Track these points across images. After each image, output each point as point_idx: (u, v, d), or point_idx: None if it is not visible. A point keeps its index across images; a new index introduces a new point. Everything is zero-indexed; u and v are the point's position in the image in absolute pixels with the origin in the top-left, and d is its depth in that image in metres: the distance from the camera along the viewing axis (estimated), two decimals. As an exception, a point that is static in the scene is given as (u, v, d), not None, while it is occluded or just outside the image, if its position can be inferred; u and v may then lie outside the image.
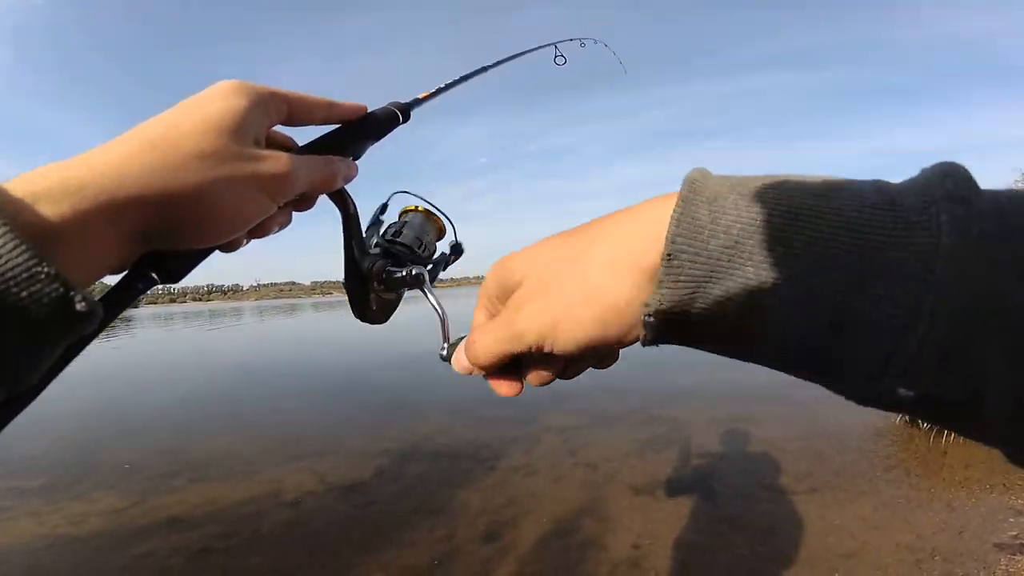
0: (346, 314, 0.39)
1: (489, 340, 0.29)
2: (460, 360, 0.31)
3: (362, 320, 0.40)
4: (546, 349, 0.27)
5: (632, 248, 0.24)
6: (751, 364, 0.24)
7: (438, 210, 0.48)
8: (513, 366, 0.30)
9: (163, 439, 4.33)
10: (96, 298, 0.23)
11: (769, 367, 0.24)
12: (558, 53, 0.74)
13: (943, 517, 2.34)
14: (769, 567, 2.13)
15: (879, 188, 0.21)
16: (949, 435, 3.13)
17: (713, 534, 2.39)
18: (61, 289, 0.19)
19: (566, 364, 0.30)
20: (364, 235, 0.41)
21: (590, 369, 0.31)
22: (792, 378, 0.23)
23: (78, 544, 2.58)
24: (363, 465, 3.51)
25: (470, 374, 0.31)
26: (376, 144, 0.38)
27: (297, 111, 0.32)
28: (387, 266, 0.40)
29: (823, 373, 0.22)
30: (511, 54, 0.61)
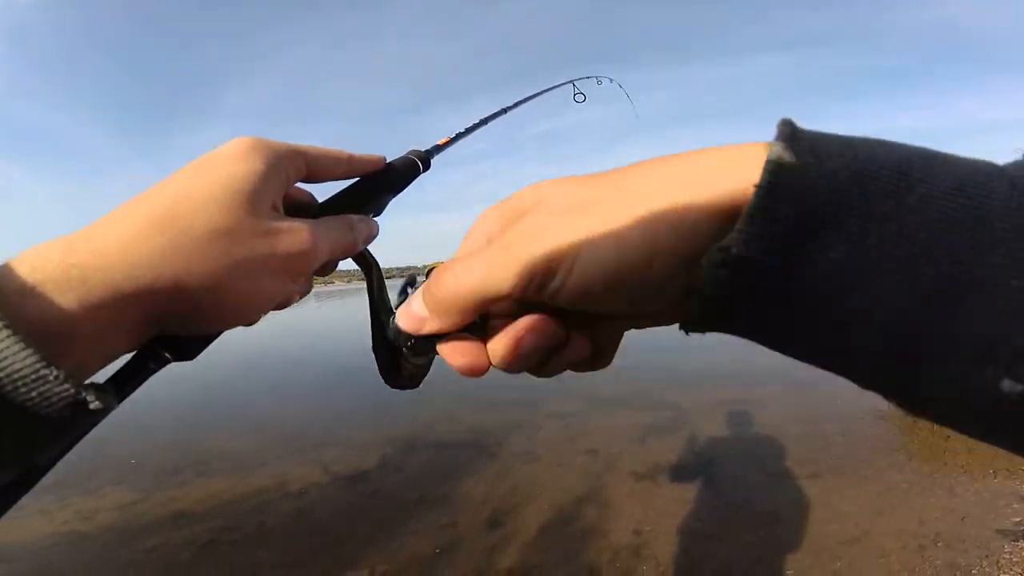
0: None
1: (471, 267, 0.21)
2: (410, 307, 0.24)
3: (392, 387, 0.37)
4: (555, 282, 0.20)
5: (707, 178, 0.19)
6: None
7: None
8: (478, 328, 0.24)
9: (169, 433, 4.36)
10: (106, 382, 0.23)
11: (838, 365, 0.19)
12: (577, 91, 0.75)
13: (945, 503, 2.34)
14: (771, 554, 2.14)
15: (987, 162, 0.18)
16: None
17: (715, 521, 2.39)
18: (71, 390, 0.19)
19: (563, 334, 0.23)
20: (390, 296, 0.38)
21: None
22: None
23: (87, 541, 2.62)
24: (367, 455, 3.53)
25: (418, 331, 0.24)
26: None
27: (316, 168, 0.30)
28: None
29: (912, 363, 0.17)
30: (532, 93, 0.60)
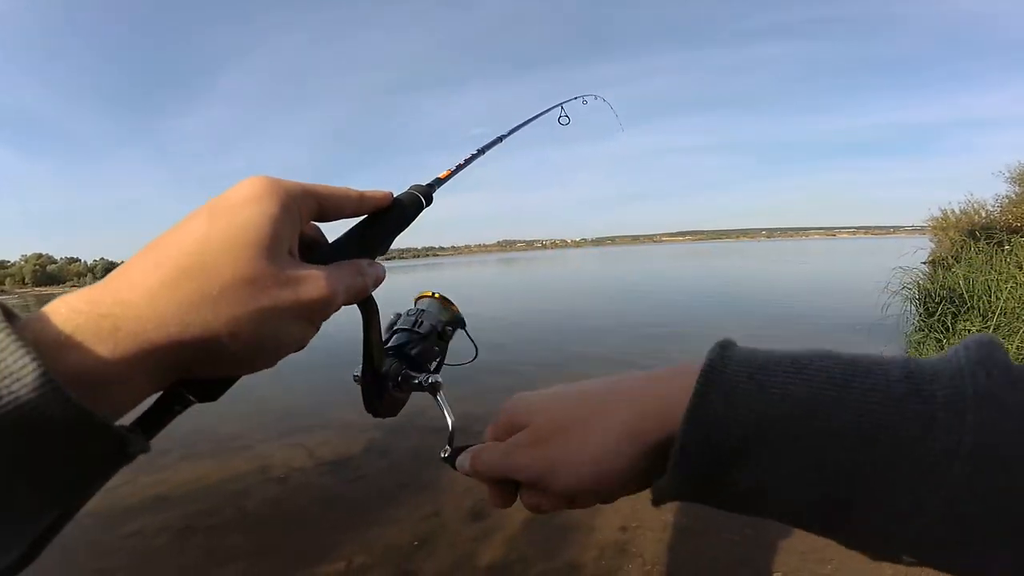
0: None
1: (494, 462, 0.33)
2: (464, 464, 0.35)
3: (373, 415, 0.42)
4: (540, 487, 0.31)
5: (641, 427, 0.28)
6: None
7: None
8: (512, 483, 0.34)
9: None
10: (132, 424, 0.25)
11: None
12: (562, 113, 0.77)
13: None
14: (758, 553, 2.06)
15: (909, 374, 0.23)
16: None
17: (703, 518, 2.31)
18: (113, 436, 0.20)
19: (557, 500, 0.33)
20: (383, 328, 0.42)
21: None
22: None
23: (69, 524, 2.60)
24: (354, 439, 3.49)
25: (466, 474, 0.35)
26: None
27: (327, 208, 0.30)
28: (403, 369, 0.42)
29: (835, 538, 0.25)
30: (522, 121, 0.64)
